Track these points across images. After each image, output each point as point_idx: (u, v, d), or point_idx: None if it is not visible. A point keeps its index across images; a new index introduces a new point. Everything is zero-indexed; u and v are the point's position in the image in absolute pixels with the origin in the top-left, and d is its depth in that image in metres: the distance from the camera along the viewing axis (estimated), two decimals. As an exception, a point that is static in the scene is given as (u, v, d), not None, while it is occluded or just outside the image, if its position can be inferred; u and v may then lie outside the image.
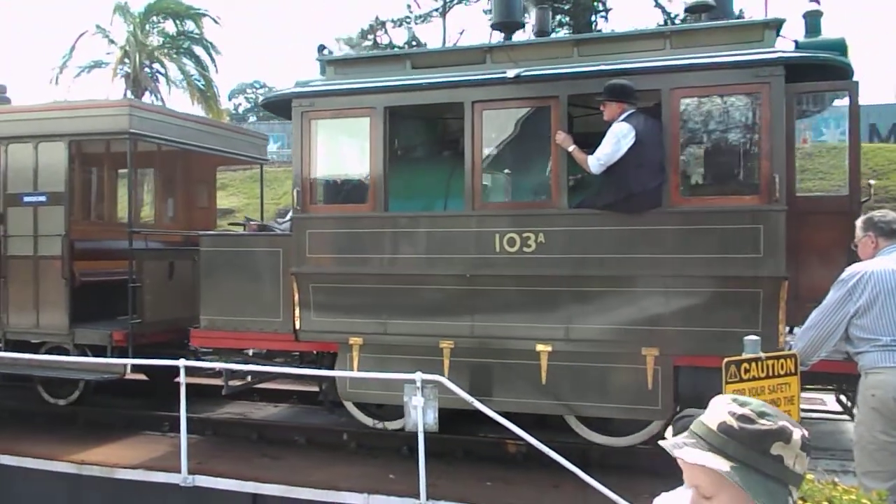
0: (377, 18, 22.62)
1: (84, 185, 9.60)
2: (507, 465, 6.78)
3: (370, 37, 23.27)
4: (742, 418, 1.51)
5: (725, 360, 4.35)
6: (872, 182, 6.78)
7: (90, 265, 8.28)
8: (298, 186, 7.08)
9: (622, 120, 6.05)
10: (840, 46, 6.63)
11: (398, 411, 7.35)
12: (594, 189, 6.34)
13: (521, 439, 5.64)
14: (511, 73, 6.43)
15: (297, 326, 7.14)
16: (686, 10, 8.53)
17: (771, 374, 4.55)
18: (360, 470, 6.70)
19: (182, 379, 6.42)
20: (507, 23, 7.23)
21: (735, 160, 6.16)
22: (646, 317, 6.20)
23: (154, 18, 29.67)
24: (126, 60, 28.03)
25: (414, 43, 20.21)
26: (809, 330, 4.53)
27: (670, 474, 2.14)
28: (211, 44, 30.09)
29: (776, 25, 6.33)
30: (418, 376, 5.76)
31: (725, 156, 6.22)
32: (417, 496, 5.76)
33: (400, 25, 24.16)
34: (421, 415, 5.73)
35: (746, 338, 4.54)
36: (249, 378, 7.92)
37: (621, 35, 6.85)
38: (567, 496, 5.89)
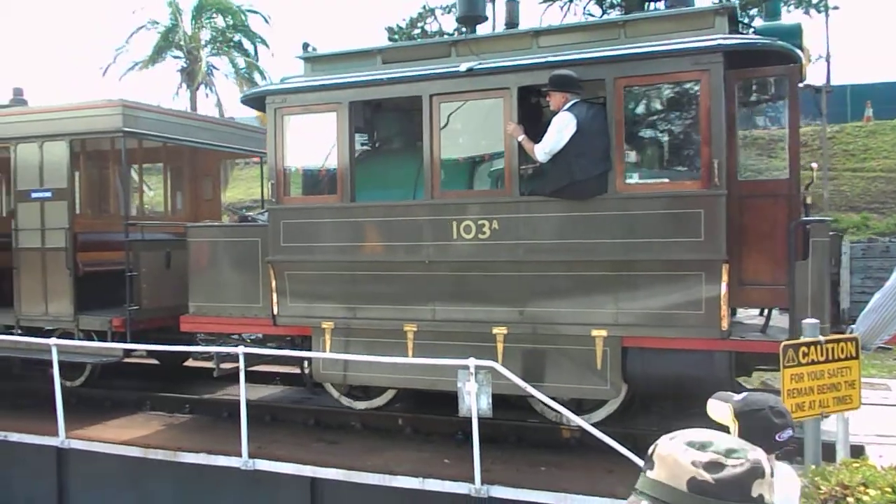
0: (426, 6, 22.81)
1: (89, 180, 10.17)
2: (561, 450, 6.78)
3: (419, 24, 23.59)
4: (710, 466, 1.26)
5: (783, 343, 4.51)
6: (815, 165, 6.83)
7: (93, 256, 8.82)
8: (273, 179, 7.48)
9: (565, 109, 6.25)
10: (795, 31, 6.70)
11: (370, 391, 7.76)
12: (543, 177, 6.56)
13: (575, 424, 5.72)
14: (463, 67, 6.68)
15: (275, 312, 7.54)
16: None
17: (830, 357, 4.70)
18: (415, 455, 6.78)
19: (242, 365, 6.75)
20: (470, 16, 7.45)
21: (677, 147, 6.30)
22: (594, 300, 6.41)
23: (205, 13, 30.77)
24: (180, 54, 29.19)
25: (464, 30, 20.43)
26: (871, 313, 4.54)
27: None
28: (261, 38, 30.96)
29: (727, 12, 6.42)
30: (472, 362, 5.86)
31: (668, 142, 6.36)
32: (472, 481, 5.88)
33: (448, 12, 24.39)
34: (474, 400, 5.81)
35: (805, 321, 4.68)
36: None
37: (577, 25, 7.02)
38: (621, 481, 5.75)
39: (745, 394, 2.54)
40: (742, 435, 2.34)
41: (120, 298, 8.76)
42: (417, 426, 7.47)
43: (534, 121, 6.99)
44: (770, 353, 6.26)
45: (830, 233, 6.51)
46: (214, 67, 31.08)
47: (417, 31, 23.17)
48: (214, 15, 31.24)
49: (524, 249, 6.57)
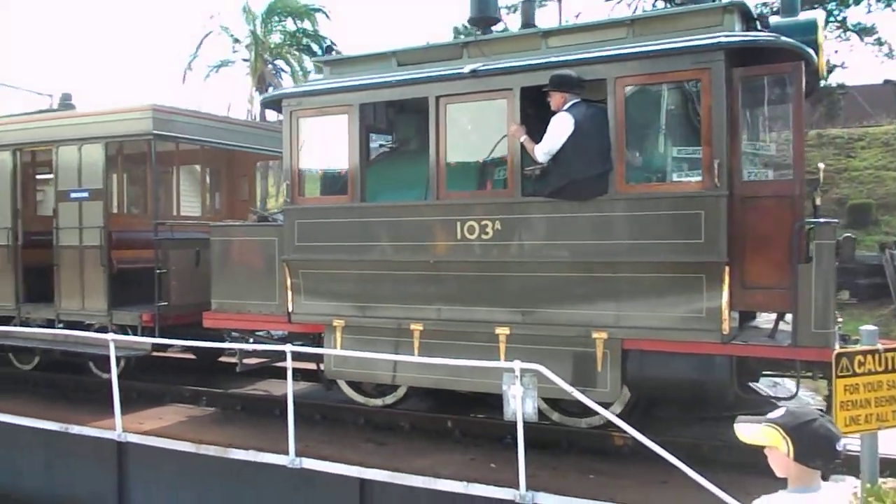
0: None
1: (127, 181, 10.60)
2: (613, 458, 6.54)
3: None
4: None
5: (836, 351, 4.36)
6: (822, 166, 6.59)
7: (127, 254, 9.19)
8: (288, 180, 7.67)
9: (564, 110, 6.23)
10: (811, 27, 6.53)
11: (381, 389, 7.85)
12: (544, 178, 6.54)
13: (626, 433, 5.46)
14: (467, 69, 6.72)
15: (290, 309, 7.73)
16: None
17: (890, 367, 4.47)
18: (462, 458, 6.66)
19: (289, 363, 6.76)
20: (482, 18, 7.48)
21: (678, 147, 6.19)
22: (594, 301, 6.36)
23: (275, 18, 31.68)
24: (249, 58, 30.17)
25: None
26: None
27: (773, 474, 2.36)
28: (329, 40, 31.63)
29: (737, 8, 6.29)
30: (517, 364, 5.68)
31: (669, 142, 6.25)
32: (517, 486, 5.72)
33: (515, 11, 24.39)
34: (520, 404, 5.68)
35: (862, 328, 4.54)
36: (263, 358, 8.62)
37: (586, 25, 6.95)
38: (675, 493, 5.48)
39: (782, 409, 2.39)
40: (802, 452, 2.27)
41: (153, 295, 9.10)
42: (466, 429, 7.35)
43: (544, 122, 6.98)
44: (775, 359, 6.19)
45: (844, 235, 6.32)
46: (283, 70, 31.93)
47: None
48: (284, 18, 32.07)
49: (526, 250, 6.57)
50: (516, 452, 5.68)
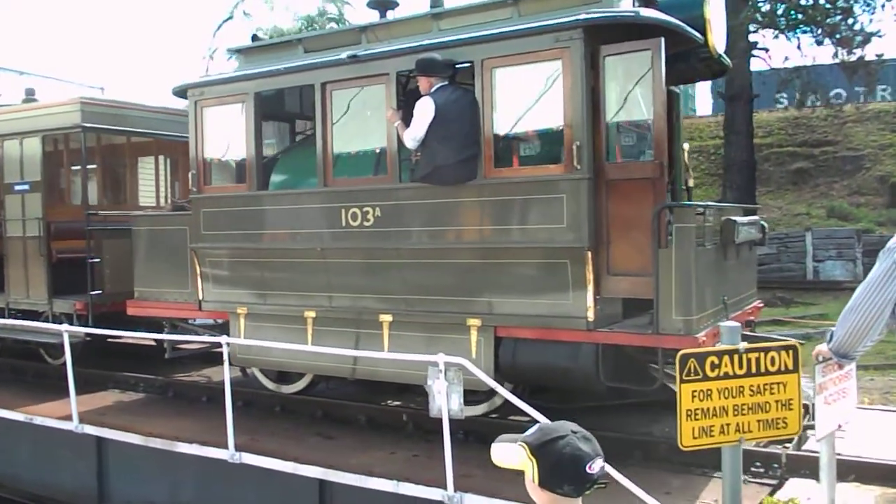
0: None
1: (66, 173, 10.83)
2: None
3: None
4: None
5: (681, 352, 3.71)
6: (686, 146, 6.32)
7: (67, 244, 9.41)
8: (194, 169, 7.74)
9: (428, 94, 6.12)
10: (697, 2, 6.27)
11: (289, 376, 7.89)
12: (417, 164, 6.45)
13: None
14: (344, 55, 6.66)
15: (200, 297, 7.83)
16: None
17: (756, 370, 3.82)
18: (406, 455, 6.43)
19: (225, 355, 6.54)
20: (381, 1, 7.38)
21: (543, 129, 6.03)
22: (468, 288, 6.27)
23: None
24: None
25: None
26: (850, 313, 3.47)
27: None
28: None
29: (621, -15, 6.07)
30: (441, 358, 5.42)
31: (535, 125, 6.09)
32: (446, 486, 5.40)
33: None
34: (445, 399, 5.40)
35: (723, 323, 3.93)
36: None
37: (474, 6, 6.76)
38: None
39: (536, 425, 2.03)
40: (546, 474, 1.92)
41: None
42: (420, 424, 6.98)
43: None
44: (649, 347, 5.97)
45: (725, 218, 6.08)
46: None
47: None
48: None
49: (403, 237, 6.50)
50: (467, 448, 5.43)
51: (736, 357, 3.78)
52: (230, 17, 31.52)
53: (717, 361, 3.72)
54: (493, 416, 6.77)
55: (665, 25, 5.72)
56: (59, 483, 8.12)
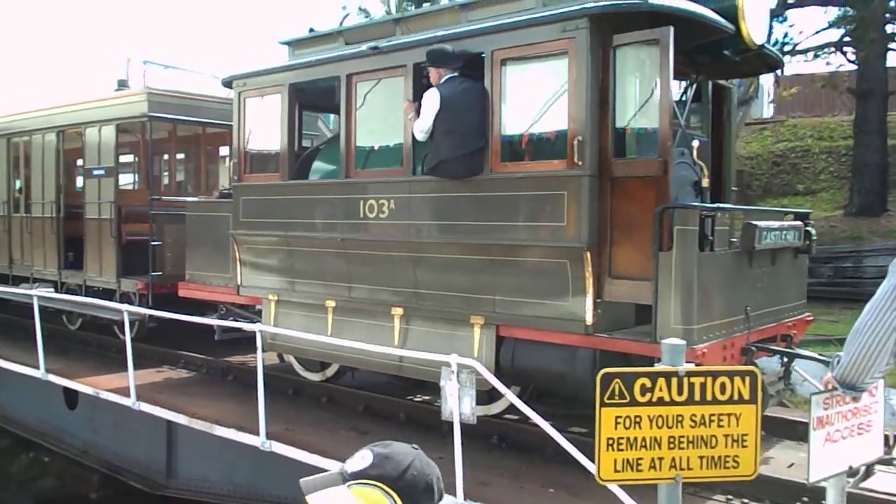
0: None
1: (144, 160, 11.41)
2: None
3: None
4: None
5: (603, 371, 3.15)
6: (696, 143, 5.83)
7: (136, 227, 9.95)
8: (236, 158, 7.99)
9: (436, 86, 6.03)
10: None
11: (321, 364, 7.99)
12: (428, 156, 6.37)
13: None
14: (366, 46, 6.66)
15: (239, 282, 8.08)
16: None
17: (702, 398, 3.18)
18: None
19: (259, 344, 6.67)
20: (416, -7, 7.35)
21: (549, 122, 5.78)
22: (472, 285, 6.14)
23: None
24: None
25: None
26: (856, 336, 2.98)
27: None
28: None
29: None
30: (454, 359, 5.25)
31: (542, 119, 5.84)
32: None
33: None
34: (457, 403, 5.22)
35: (665, 341, 3.31)
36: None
37: (499, -3, 6.62)
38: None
39: (364, 453, 1.69)
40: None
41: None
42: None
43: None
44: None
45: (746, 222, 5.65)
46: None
47: None
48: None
49: (414, 230, 6.44)
50: (469, 447, 5.13)
51: (675, 381, 3.13)
52: (346, 15, 32.38)
53: (649, 384, 3.11)
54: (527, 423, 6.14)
55: (680, 13, 5.36)
56: (134, 456, 8.60)
